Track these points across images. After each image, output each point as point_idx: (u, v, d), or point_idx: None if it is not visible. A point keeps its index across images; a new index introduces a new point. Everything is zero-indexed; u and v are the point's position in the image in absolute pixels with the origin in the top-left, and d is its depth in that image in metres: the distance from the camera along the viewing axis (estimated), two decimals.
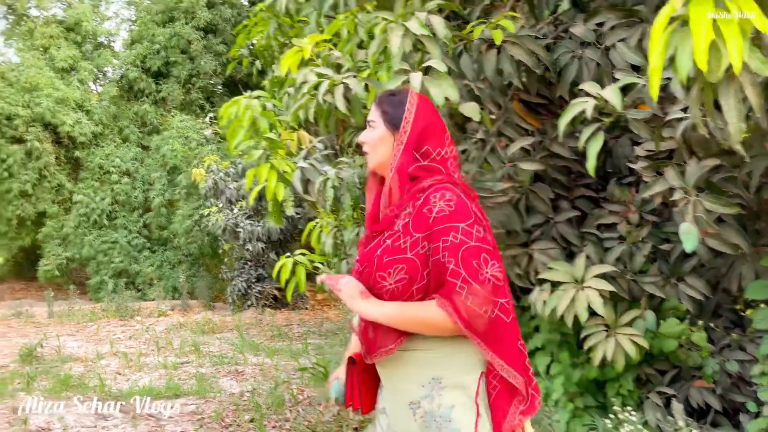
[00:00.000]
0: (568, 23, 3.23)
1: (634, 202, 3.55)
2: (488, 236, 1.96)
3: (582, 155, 3.49)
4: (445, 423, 1.92)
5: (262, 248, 10.89)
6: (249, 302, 12.09)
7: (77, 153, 14.04)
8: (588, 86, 2.64)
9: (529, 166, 3.10)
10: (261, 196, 11.27)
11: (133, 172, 14.17)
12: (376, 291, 1.97)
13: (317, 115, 2.90)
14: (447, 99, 2.54)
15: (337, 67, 3.01)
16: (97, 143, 14.20)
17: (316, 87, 2.94)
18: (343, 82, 2.82)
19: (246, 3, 15.80)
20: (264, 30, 5.73)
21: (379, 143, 2.06)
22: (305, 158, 4.35)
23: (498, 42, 2.70)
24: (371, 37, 2.70)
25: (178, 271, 13.70)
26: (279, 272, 4.76)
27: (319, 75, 2.88)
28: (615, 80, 2.78)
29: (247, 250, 11.01)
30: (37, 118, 13.32)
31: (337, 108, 2.85)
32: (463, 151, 3.27)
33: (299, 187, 4.18)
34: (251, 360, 7.98)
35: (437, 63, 2.58)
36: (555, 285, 3.43)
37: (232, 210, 11.57)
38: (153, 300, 13.47)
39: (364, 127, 3.63)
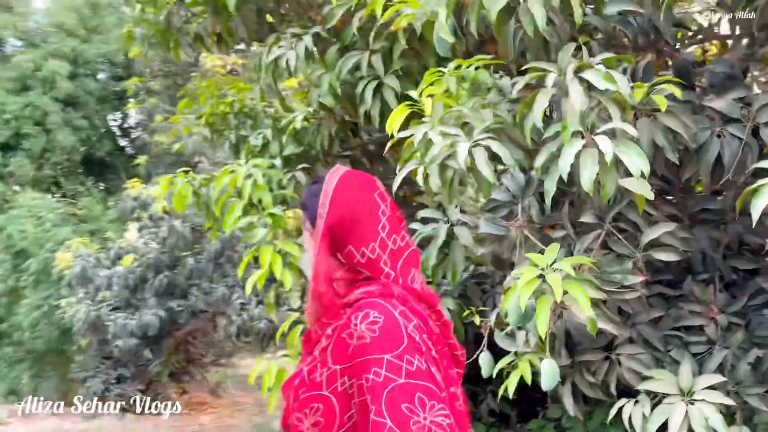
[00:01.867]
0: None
1: (717, 302, 3.19)
2: (434, 367, 1.49)
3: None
4: None
5: (135, 345, 9.63)
6: (106, 406, 10.63)
7: None
8: None
9: (668, 257, 2.65)
10: (136, 286, 10.07)
11: None
12: None
13: (441, 182, 2.29)
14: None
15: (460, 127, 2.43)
16: None
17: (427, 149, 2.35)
18: (481, 145, 2.25)
19: (105, 78, 14.73)
20: (214, 95, 5.04)
21: (307, 248, 1.68)
22: None
23: (663, 109, 2.27)
24: (531, 88, 2.18)
25: (18, 371, 11.90)
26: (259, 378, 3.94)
27: (444, 135, 2.29)
28: None
29: (116, 346, 9.69)
30: None
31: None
32: (568, 236, 2.77)
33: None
34: None
35: (626, 126, 2.09)
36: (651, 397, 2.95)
37: (94, 300, 10.24)
38: None
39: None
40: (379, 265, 1.58)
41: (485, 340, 3.24)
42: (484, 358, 3.21)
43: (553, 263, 2.38)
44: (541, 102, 2.13)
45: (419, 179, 2.38)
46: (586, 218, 2.73)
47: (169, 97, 11.91)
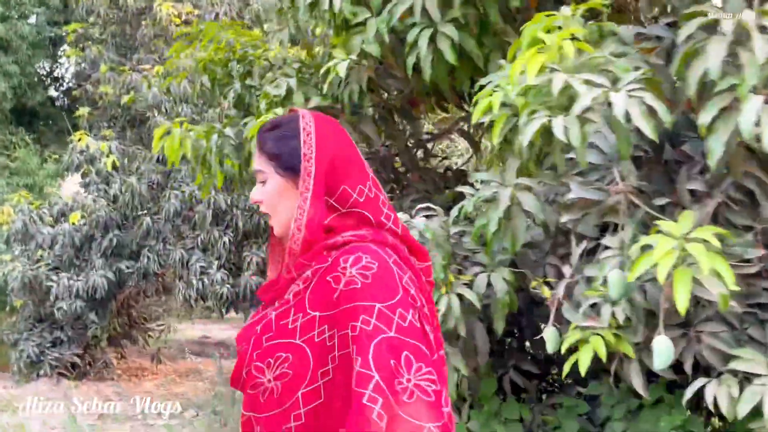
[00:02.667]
0: None
1: None
2: (425, 324, 1.36)
3: None
4: None
5: (80, 307, 9.05)
6: (42, 371, 10.02)
7: None
8: None
9: None
10: (81, 245, 9.43)
11: None
12: (251, 390, 1.38)
13: (581, 136, 2.03)
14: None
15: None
16: None
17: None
18: (635, 96, 2.00)
19: (40, 21, 13.74)
20: (214, 40, 4.62)
21: (278, 199, 1.48)
22: None
23: None
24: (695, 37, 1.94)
25: None
26: None
27: (588, 83, 2.03)
28: None
29: (59, 308, 9.09)
30: None
31: None
32: (672, 204, 2.55)
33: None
34: None
35: None
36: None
37: (30, 259, 9.56)
38: None
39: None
40: (378, 205, 1.44)
41: (552, 313, 3.03)
42: (550, 332, 3.00)
43: (687, 233, 2.16)
44: (717, 50, 1.89)
45: (559, 130, 2.10)
46: (695, 186, 2.52)
47: (115, 45, 11.17)
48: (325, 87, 3.45)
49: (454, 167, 5.10)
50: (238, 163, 4.19)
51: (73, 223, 8.94)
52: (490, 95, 2.89)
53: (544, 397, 4.21)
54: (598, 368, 3.64)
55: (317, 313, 1.35)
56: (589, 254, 3.11)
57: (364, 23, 3.42)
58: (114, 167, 9.12)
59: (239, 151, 4.11)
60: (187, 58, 4.63)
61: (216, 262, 7.99)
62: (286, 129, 1.47)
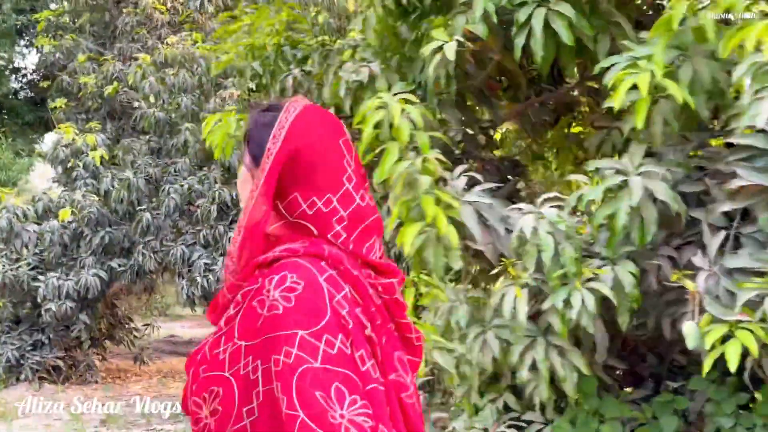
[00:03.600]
0: None
1: None
2: (363, 350, 1.22)
3: None
4: None
5: (70, 308, 8.61)
6: (22, 375, 9.56)
7: None
8: None
9: None
10: (69, 243, 8.97)
11: None
12: (194, 426, 1.28)
13: None
14: None
15: None
16: None
17: None
18: None
19: (6, 9, 13.10)
20: (266, 24, 4.35)
21: (240, 185, 1.36)
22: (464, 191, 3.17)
23: None
24: None
25: None
26: None
27: None
28: None
29: (47, 310, 8.64)
30: None
31: None
32: None
33: (477, 232, 2.99)
34: None
35: None
36: None
37: (9, 258, 9.07)
38: None
39: None
40: (330, 221, 1.27)
41: (695, 308, 2.88)
42: (691, 326, 2.86)
43: None
44: None
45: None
46: None
47: (93, 34, 10.69)
48: (431, 69, 3.22)
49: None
50: None
51: (62, 220, 8.49)
52: (622, 78, 2.76)
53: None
54: (692, 361, 3.54)
55: (243, 343, 1.21)
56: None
57: (468, 3, 3.21)
58: (102, 162, 8.72)
59: None
60: (236, 43, 4.34)
61: (221, 259, 7.67)
62: (270, 116, 1.31)
